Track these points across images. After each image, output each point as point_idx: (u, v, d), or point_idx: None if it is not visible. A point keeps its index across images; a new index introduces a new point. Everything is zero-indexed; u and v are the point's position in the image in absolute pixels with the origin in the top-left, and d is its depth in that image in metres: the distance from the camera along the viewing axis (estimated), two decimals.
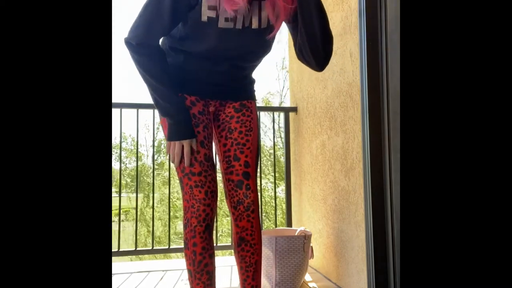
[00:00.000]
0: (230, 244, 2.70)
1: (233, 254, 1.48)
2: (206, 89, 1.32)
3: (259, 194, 1.79)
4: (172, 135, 1.21)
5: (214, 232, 1.45)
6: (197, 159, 1.21)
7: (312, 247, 2.07)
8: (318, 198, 2.30)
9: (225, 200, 1.36)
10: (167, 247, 2.67)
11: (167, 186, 3.05)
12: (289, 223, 2.74)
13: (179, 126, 1.21)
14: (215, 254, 1.30)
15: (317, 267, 2.35)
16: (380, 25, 1.53)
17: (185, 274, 2.33)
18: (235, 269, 2.39)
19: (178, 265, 2.54)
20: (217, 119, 1.38)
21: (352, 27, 1.81)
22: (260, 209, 1.33)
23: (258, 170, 1.53)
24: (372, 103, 1.54)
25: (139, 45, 1.18)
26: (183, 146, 1.20)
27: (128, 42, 1.19)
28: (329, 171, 2.11)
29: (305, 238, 1.94)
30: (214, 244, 2.72)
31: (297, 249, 1.92)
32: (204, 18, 1.17)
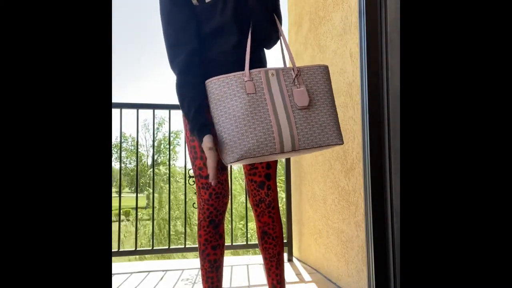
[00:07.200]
0: (229, 244, 2.70)
1: (232, 254, 1.50)
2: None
3: None
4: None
5: None
6: (205, 163, 1.27)
7: None
8: (318, 198, 2.30)
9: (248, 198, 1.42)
10: (167, 247, 2.67)
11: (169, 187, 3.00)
12: (289, 223, 2.74)
13: None
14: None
15: (317, 267, 2.35)
16: (380, 25, 1.53)
17: (185, 274, 2.33)
18: (235, 269, 2.39)
19: (178, 265, 2.54)
20: None
21: (352, 27, 1.81)
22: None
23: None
24: (372, 103, 1.54)
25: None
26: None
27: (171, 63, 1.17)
28: (329, 171, 2.11)
29: None
30: None
31: None
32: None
